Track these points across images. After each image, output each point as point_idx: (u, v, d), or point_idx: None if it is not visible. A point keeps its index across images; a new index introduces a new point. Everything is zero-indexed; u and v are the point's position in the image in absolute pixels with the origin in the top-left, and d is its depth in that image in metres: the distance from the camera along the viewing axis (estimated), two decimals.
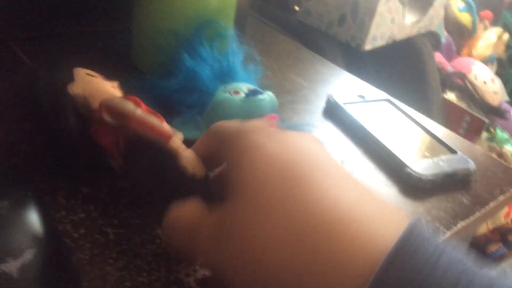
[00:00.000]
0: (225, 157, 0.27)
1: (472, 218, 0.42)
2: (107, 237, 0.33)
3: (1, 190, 0.29)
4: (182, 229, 0.27)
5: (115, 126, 0.31)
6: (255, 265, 0.22)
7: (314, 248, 0.21)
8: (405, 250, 0.20)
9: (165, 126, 0.30)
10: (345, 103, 0.53)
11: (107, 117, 0.31)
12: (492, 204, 0.44)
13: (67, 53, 0.54)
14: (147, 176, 0.31)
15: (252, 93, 0.42)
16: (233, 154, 0.26)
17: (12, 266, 0.25)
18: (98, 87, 0.34)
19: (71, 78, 0.34)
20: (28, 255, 0.26)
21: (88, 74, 0.35)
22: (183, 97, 0.44)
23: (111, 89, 0.34)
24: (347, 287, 0.20)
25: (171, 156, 0.29)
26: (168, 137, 0.29)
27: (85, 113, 0.34)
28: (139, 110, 0.31)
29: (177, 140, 0.29)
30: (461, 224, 0.41)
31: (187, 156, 0.29)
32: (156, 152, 0.30)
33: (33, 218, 0.29)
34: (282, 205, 0.22)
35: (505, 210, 1.12)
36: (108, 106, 0.31)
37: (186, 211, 0.27)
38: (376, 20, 0.79)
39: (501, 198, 0.45)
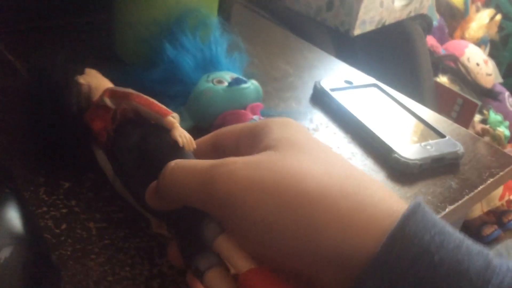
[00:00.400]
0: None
1: (460, 202, 0.42)
2: (89, 232, 0.33)
3: None
4: (194, 170, 0.25)
5: (109, 109, 0.33)
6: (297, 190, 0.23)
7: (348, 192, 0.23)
8: (418, 211, 0.21)
9: (163, 106, 0.32)
10: (332, 90, 0.53)
11: (108, 101, 0.33)
12: (481, 188, 0.44)
13: (50, 45, 0.53)
14: (135, 151, 0.31)
15: (235, 82, 0.41)
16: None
17: None
18: (102, 83, 0.37)
19: (80, 72, 0.37)
20: (5, 252, 0.26)
21: (97, 72, 0.38)
22: (166, 88, 0.43)
23: (113, 85, 0.37)
24: (371, 233, 0.21)
25: (163, 130, 0.30)
26: (167, 113, 0.31)
27: (85, 103, 0.36)
28: (140, 94, 0.33)
29: (173, 117, 0.31)
30: (449, 208, 0.41)
31: (181, 131, 0.30)
32: (147, 128, 0.32)
33: (11, 216, 0.28)
34: (319, 159, 0.24)
35: (500, 192, 1.12)
36: (112, 90, 0.34)
37: (187, 161, 0.26)
38: (365, 4, 0.78)
39: (490, 181, 0.45)
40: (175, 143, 0.29)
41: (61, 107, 0.35)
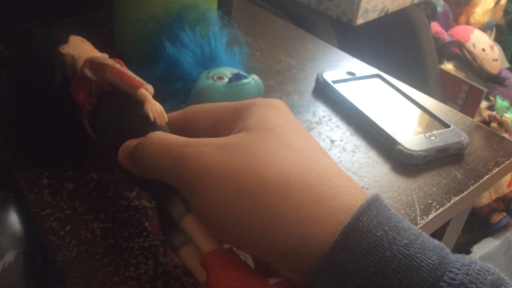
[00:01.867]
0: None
1: (466, 193, 0.41)
2: (93, 232, 0.33)
3: None
4: (171, 145, 0.25)
5: (92, 81, 0.33)
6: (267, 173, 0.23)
7: (311, 181, 0.23)
8: (374, 207, 0.22)
9: (138, 77, 0.31)
10: (334, 82, 0.52)
11: (88, 72, 0.33)
12: (486, 178, 0.43)
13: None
14: (112, 124, 0.31)
15: (235, 78, 0.41)
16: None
17: None
18: (88, 51, 0.36)
19: (64, 40, 0.36)
20: (10, 257, 0.26)
21: (82, 40, 0.37)
22: (166, 86, 0.43)
23: (99, 53, 0.36)
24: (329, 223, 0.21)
25: (138, 103, 0.30)
26: (139, 86, 0.31)
27: (70, 73, 0.35)
28: (118, 65, 0.32)
29: (146, 90, 0.31)
30: (454, 199, 0.40)
31: (153, 104, 0.30)
32: (123, 101, 0.31)
33: (14, 219, 0.28)
34: (290, 146, 0.24)
35: (508, 179, 1.11)
36: (91, 61, 0.33)
37: (168, 135, 0.26)
38: None
39: (496, 170, 0.44)
40: (147, 116, 0.29)
41: (45, 82, 0.35)
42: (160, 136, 0.26)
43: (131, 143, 0.28)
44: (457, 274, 0.19)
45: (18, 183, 0.32)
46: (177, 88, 0.43)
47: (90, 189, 0.36)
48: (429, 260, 0.20)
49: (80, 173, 0.38)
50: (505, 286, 0.19)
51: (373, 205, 0.22)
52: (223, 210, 0.23)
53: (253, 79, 0.42)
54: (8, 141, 0.40)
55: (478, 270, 0.19)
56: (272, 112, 0.26)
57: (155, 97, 0.31)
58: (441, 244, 0.21)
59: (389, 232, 0.20)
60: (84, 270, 0.30)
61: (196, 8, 0.47)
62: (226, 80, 0.41)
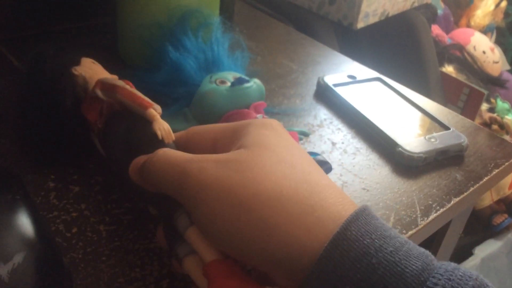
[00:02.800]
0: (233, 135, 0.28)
1: (466, 194, 0.42)
2: (99, 234, 0.34)
3: None
4: (175, 161, 0.26)
5: (102, 101, 0.35)
6: (263, 187, 0.24)
7: (304, 195, 0.24)
8: (362, 216, 0.23)
9: (147, 98, 0.33)
10: (335, 85, 0.53)
11: (99, 92, 0.34)
12: (486, 179, 0.44)
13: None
14: (121, 141, 0.33)
15: (238, 82, 0.41)
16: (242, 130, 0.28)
17: (2, 270, 0.26)
18: (98, 72, 0.38)
19: (76, 62, 0.38)
20: (18, 258, 0.26)
21: (93, 62, 0.39)
22: (170, 90, 0.44)
23: (109, 75, 0.38)
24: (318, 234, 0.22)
25: (146, 122, 0.32)
26: (148, 106, 0.32)
27: (81, 93, 0.37)
28: (128, 86, 0.34)
29: (154, 110, 0.32)
30: (454, 201, 0.41)
31: (161, 123, 0.31)
32: (132, 120, 0.33)
33: (23, 221, 0.29)
34: (284, 161, 0.26)
35: (509, 181, 1.11)
36: (103, 82, 0.35)
37: (174, 152, 0.28)
38: None
39: (495, 172, 0.45)
40: (155, 135, 0.31)
41: (56, 101, 0.36)
42: (166, 152, 0.27)
43: (141, 159, 0.29)
44: (439, 279, 0.20)
45: (25, 186, 0.33)
46: (180, 93, 0.43)
47: (95, 192, 0.37)
48: (413, 267, 0.20)
49: (85, 176, 0.38)
50: None
51: (361, 215, 0.23)
52: (222, 221, 0.24)
53: (255, 83, 0.43)
54: (16, 147, 0.40)
55: (461, 275, 0.20)
56: (268, 131, 0.27)
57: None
58: (427, 251, 0.22)
59: (376, 240, 0.21)
60: (90, 271, 0.31)
61: (199, 14, 0.48)
62: (229, 84, 0.42)
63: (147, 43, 0.48)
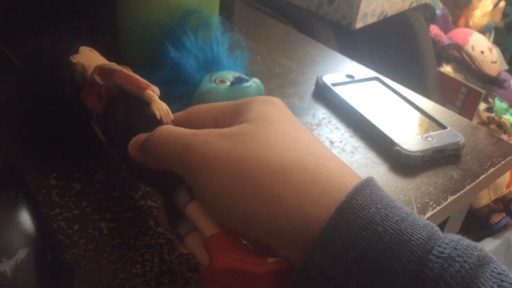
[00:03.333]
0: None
1: (462, 192, 0.42)
2: (101, 231, 0.34)
3: None
4: (178, 135, 0.27)
5: (101, 86, 0.35)
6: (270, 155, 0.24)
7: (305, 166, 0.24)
8: (367, 187, 0.23)
9: (144, 80, 0.33)
10: (334, 84, 0.54)
11: (97, 78, 0.35)
12: (482, 177, 0.44)
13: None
14: (121, 123, 0.33)
15: (237, 81, 0.42)
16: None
17: (6, 266, 0.26)
18: (96, 59, 0.38)
19: (74, 51, 0.38)
20: (22, 254, 0.27)
21: (91, 50, 0.39)
22: (170, 89, 0.44)
23: (107, 62, 0.38)
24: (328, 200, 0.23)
25: (145, 104, 0.32)
26: (146, 87, 0.32)
27: (80, 81, 0.37)
28: (125, 70, 0.34)
29: (152, 91, 0.33)
30: (451, 199, 0.41)
31: (159, 103, 0.32)
32: (131, 102, 0.33)
33: (26, 218, 0.29)
34: (287, 134, 0.26)
35: (507, 180, 1.12)
36: (100, 68, 0.35)
37: (176, 128, 0.28)
38: None
39: (492, 170, 0.46)
40: (154, 115, 0.31)
41: (56, 89, 0.37)
42: (169, 128, 0.28)
43: (141, 136, 0.30)
44: (445, 248, 0.20)
45: (28, 184, 0.33)
46: (180, 92, 0.44)
47: (97, 189, 0.38)
48: (419, 235, 0.21)
49: (87, 174, 0.39)
50: (492, 263, 0.21)
51: (367, 186, 0.23)
52: (225, 192, 0.24)
53: (254, 82, 0.43)
54: (18, 144, 0.41)
55: (466, 246, 0.21)
56: (270, 106, 0.28)
57: (160, 99, 0.33)
58: (432, 223, 0.22)
59: (382, 210, 0.22)
60: (92, 268, 0.31)
61: (199, 14, 0.48)
62: (228, 83, 0.42)
63: (148, 43, 0.48)
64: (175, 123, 0.31)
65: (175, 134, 0.27)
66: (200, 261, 0.26)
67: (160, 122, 0.31)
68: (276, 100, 0.29)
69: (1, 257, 0.26)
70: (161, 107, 0.31)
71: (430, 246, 0.20)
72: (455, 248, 0.20)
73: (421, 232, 0.21)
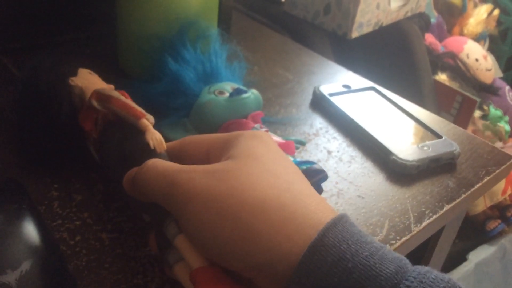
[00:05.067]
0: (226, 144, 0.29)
1: (458, 201, 0.43)
2: (102, 242, 0.35)
3: None
4: (164, 172, 0.27)
5: (98, 111, 0.36)
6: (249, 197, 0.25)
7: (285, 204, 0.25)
8: (339, 223, 0.24)
9: (140, 109, 0.34)
10: (331, 94, 0.54)
11: (95, 103, 0.35)
12: (477, 186, 0.45)
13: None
14: (115, 150, 0.34)
15: (236, 92, 0.43)
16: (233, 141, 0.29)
17: (11, 277, 0.27)
18: (95, 83, 0.38)
19: (73, 73, 0.38)
20: (26, 265, 0.27)
21: (90, 73, 0.40)
22: (169, 101, 0.45)
23: (105, 85, 0.39)
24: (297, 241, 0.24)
25: (139, 132, 0.33)
26: (141, 116, 0.33)
27: (78, 103, 0.38)
28: (123, 97, 0.35)
29: (147, 120, 0.33)
30: (447, 207, 0.42)
31: (153, 133, 0.32)
32: (126, 130, 0.34)
33: (29, 230, 0.30)
34: (269, 171, 0.27)
35: (502, 187, 1.13)
36: (98, 92, 0.36)
37: (163, 163, 0.29)
38: (361, 7, 0.80)
39: (487, 179, 0.46)
40: (148, 145, 0.32)
41: (53, 109, 0.38)
42: (156, 163, 0.29)
43: (133, 171, 0.30)
44: (412, 281, 0.21)
45: (30, 195, 0.34)
46: (179, 103, 0.45)
47: (98, 200, 0.38)
48: (387, 270, 0.22)
49: (88, 185, 0.39)
50: None
51: (339, 222, 0.24)
52: (207, 228, 0.25)
53: (252, 94, 0.44)
54: (18, 156, 0.41)
55: (433, 278, 0.21)
56: (256, 142, 0.29)
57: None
58: (402, 256, 0.23)
59: (352, 246, 0.23)
60: (93, 278, 0.32)
61: (197, 26, 0.49)
62: (227, 94, 0.43)
63: (147, 54, 0.49)
64: (169, 152, 0.32)
65: (162, 169, 0.28)
66: None
67: (153, 152, 0.32)
68: (264, 135, 0.30)
69: (5, 268, 0.27)
70: (155, 137, 0.32)
71: (398, 280, 0.21)
72: (422, 281, 0.21)
73: (389, 267, 0.22)
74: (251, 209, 0.24)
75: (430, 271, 0.22)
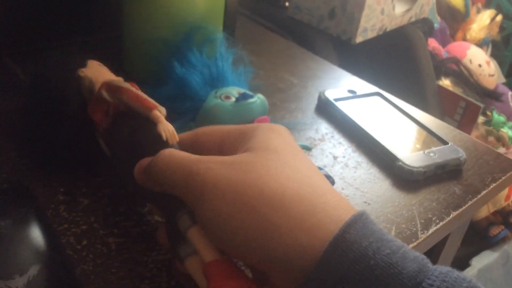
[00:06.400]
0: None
1: (464, 208, 0.43)
2: (109, 247, 0.34)
3: (4, 209, 0.30)
4: (181, 161, 0.27)
5: (108, 102, 0.35)
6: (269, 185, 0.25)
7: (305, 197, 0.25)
8: (360, 220, 0.24)
9: (152, 100, 0.34)
10: (336, 100, 0.54)
11: (105, 94, 0.35)
12: (484, 193, 0.45)
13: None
14: (126, 142, 0.33)
15: (242, 97, 0.43)
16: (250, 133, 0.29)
17: (19, 282, 0.26)
18: (104, 74, 0.38)
19: (83, 64, 0.38)
20: (34, 271, 0.27)
21: (99, 65, 0.39)
22: (175, 105, 0.45)
23: (115, 77, 0.38)
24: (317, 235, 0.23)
25: (151, 123, 0.32)
26: (153, 107, 0.33)
27: (87, 95, 0.37)
28: (133, 88, 0.35)
29: (159, 111, 0.33)
30: (453, 214, 0.42)
31: (165, 124, 0.32)
32: (137, 122, 0.34)
33: (37, 234, 0.30)
34: (288, 164, 0.26)
35: (506, 192, 1.13)
36: (108, 84, 0.35)
37: (180, 152, 0.28)
38: (366, 12, 0.80)
39: (493, 186, 0.46)
40: (160, 136, 0.32)
41: (62, 102, 0.37)
42: (172, 152, 0.28)
43: (146, 160, 0.30)
44: (434, 280, 0.21)
45: (37, 199, 0.34)
46: (186, 107, 0.45)
47: (104, 204, 0.38)
48: (410, 268, 0.21)
49: (94, 189, 0.39)
50: None
51: (359, 219, 0.24)
52: (225, 220, 0.25)
53: (259, 98, 0.44)
54: (24, 160, 0.41)
55: (455, 278, 0.21)
56: (274, 134, 0.28)
57: (165, 116, 0.34)
58: (422, 255, 0.23)
59: (374, 243, 0.22)
60: (100, 284, 0.32)
61: (204, 30, 0.49)
62: (234, 99, 0.43)
63: (153, 58, 0.49)
64: (181, 143, 0.32)
65: (179, 159, 0.28)
66: (198, 285, 0.27)
67: (165, 143, 0.31)
68: (281, 128, 0.29)
69: (13, 274, 0.27)
70: (167, 128, 0.32)
71: (420, 279, 0.21)
72: (444, 281, 0.21)
73: (411, 265, 0.22)
74: (271, 202, 0.24)
75: (451, 271, 0.22)
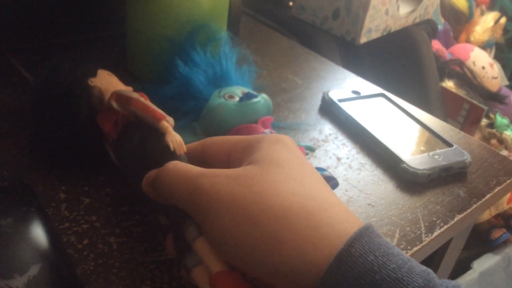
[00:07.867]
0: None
1: (469, 211, 0.42)
2: (110, 246, 0.34)
3: (5, 207, 0.30)
4: (186, 175, 0.27)
5: (118, 112, 0.36)
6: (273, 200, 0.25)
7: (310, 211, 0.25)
8: (366, 234, 0.23)
9: (160, 110, 0.34)
10: (340, 100, 0.54)
11: (114, 104, 0.35)
12: (488, 196, 0.45)
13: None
14: (135, 152, 0.34)
15: (246, 97, 0.42)
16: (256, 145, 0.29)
17: (19, 282, 0.26)
18: (114, 84, 0.39)
19: (92, 74, 0.38)
20: (34, 270, 0.27)
21: (109, 74, 0.40)
22: (179, 104, 0.44)
23: (124, 87, 0.39)
24: (318, 254, 0.23)
25: (160, 134, 0.33)
26: (161, 118, 0.33)
27: (97, 104, 0.38)
28: (142, 98, 0.35)
29: (167, 122, 0.33)
30: (458, 217, 0.41)
31: (173, 135, 0.32)
32: (146, 132, 0.34)
33: (38, 234, 0.29)
34: (293, 178, 0.26)
35: (508, 196, 1.12)
36: (118, 94, 0.36)
37: (184, 165, 0.28)
38: (370, 13, 0.79)
39: (498, 189, 0.46)
40: (167, 146, 0.32)
41: (71, 111, 0.37)
42: (177, 166, 0.28)
43: (153, 172, 0.30)
44: None
45: (39, 198, 0.33)
46: (189, 107, 0.44)
47: (106, 204, 0.38)
48: (415, 283, 0.21)
49: (96, 188, 0.39)
50: None
51: (365, 233, 0.23)
52: (231, 234, 0.25)
53: (262, 98, 0.44)
54: (26, 157, 0.41)
55: None
56: (280, 146, 0.28)
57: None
58: (428, 269, 0.23)
59: (379, 257, 0.22)
60: (101, 284, 0.31)
61: (207, 29, 0.49)
62: (237, 99, 0.42)
63: (157, 57, 0.48)
64: (189, 154, 0.32)
65: (183, 173, 0.27)
66: None
67: (173, 154, 0.31)
68: (287, 140, 0.29)
69: (13, 273, 0.26)
70: (175, 139, 0.32)
71: None
72: None
73: (417, 280, 0.21)
74: (276, 217, 0.24)
75: (457, 286, 0.22)
